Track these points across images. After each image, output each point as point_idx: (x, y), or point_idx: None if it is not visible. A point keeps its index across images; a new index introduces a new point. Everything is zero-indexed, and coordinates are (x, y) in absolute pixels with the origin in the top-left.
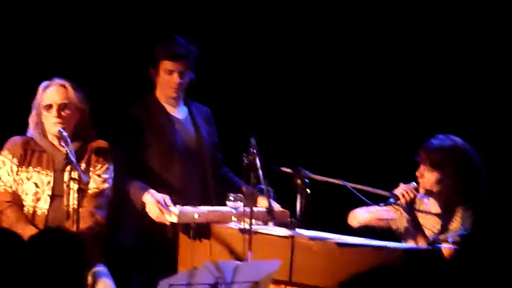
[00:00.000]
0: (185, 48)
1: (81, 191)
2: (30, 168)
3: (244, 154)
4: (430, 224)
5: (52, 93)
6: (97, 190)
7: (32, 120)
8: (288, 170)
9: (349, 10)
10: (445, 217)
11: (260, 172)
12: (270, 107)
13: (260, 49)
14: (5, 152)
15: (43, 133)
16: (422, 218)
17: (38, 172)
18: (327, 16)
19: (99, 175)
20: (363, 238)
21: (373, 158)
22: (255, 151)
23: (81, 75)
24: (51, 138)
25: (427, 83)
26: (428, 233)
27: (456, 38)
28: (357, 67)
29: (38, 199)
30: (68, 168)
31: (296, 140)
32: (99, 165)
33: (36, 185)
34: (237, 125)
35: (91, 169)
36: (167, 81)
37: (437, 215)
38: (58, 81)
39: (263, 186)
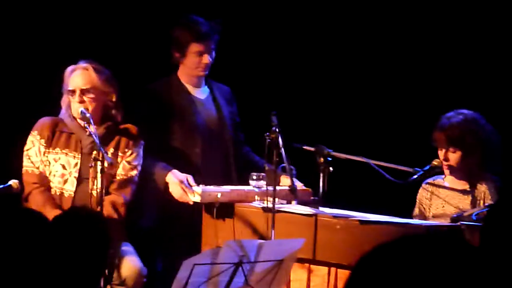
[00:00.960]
0: (210, 27)
1: (103, 172)
2: (58, 150)
3: (266, 132)
4: (456, 202)
5: (75, 78)
6: (125, 177)
7: (63, 102)
8: (310, 148)
9: None
10: (471, 192)
11: (283, 150)
12: (291, 85)
13: (279, 26)
14: (34, 132)
15: (72, 115)
16: (449, 196)
17: (66, 154)
18: None
19: (128, 162)
20: (386, 216)
21: (395, 134)
22: (277, 129)
23: (105, 55)
24: (80, 121)
25: (444, 61)
26: (453, 210)
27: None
28: (380, 46)
29: (65, 181)
30: (95, 152)
31: (318, 117)
32: (129, 151)
33: (63, 167)
34: (258, 103)
35: (120, 154)
36: (197, 63)
37: (462, 191)
38: (82, 64)
39: (285, 165)
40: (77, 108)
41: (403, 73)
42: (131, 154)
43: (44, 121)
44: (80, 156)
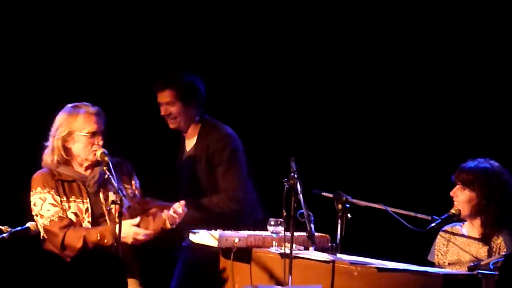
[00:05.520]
0: (170, 79)
1: (122, 215)
2: (65, 198)
3: (285, 178)
4: (471, 249)
5: (94, 120)
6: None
7: (53, 151)
8: (329, 194)
9: (390, 28)
10: (487, 242)
11: (301, 196)
12: (311, 131)
13: (299, 74)
14: (38, 189)
15: (67, 163)
16: (464, 244)
17: (74, 201)
18: (363, 38)
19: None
20: (404, 263)
21: (414, 183)
22: (295, 175)
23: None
24: (76, 166)
25: (467, 109)
26: (469, 258)
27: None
28: (398, 93)
29: None
30: (112, 195)
31: (337, 164)
32: (134, 180)
33: (76, 215)
34: (277, 149)
35: (127, 186)
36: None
37: (478, 239)
38: (92, 109)
39: (303, 211)
40: (93, 150)
41: (423, 124)
42: (135, 182)
43: (44, 174)
44: (88, 200)
